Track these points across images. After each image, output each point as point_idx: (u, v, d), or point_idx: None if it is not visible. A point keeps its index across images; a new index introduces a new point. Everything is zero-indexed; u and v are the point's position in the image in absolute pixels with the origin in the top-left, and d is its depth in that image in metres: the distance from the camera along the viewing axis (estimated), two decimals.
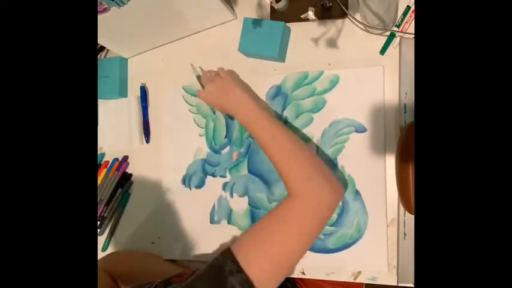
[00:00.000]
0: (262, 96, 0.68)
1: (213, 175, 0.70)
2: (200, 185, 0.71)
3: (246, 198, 0.68)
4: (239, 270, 0.44)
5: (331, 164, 0.63)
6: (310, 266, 0.63)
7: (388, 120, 0.61)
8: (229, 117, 0.70)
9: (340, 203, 0.61)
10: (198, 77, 0.69)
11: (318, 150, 0.64)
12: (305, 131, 0.65)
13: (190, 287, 0.45)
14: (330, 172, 0.54)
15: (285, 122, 0.66)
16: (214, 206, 0.70)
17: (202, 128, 0.72)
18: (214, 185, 0.70)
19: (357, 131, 0.62)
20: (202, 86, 0.66)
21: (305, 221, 0.49)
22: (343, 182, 0.61)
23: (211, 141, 0.71)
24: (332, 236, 0.62)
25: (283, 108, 0.66)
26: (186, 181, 0.72)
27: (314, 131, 0.64)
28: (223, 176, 0.70)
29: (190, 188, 0.71)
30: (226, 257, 0.46)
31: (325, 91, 0.64)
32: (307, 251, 0.61)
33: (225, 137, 0.70)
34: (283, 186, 0.65)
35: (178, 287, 0.46)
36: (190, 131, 0.72)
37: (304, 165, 0.52)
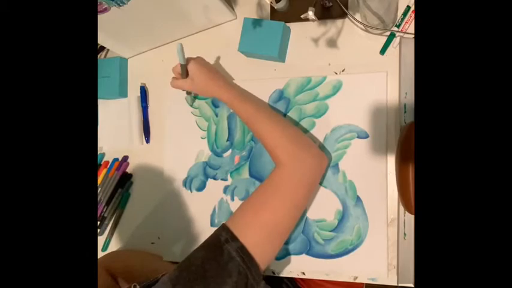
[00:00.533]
0: (265, 99, 0.68)
1: (215, 178, 0.70)
2: (201, 187, 0.71)
3: None
4: (233, 238, 0.48)
5: (333, 168, 0.63)
6: (310, 270, 0.63)
7: (388, 123, 0.61)
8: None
9: (341, 208, 0.61)
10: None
11: None
12: (307, 136, 0.65)
13: (192, 257, 0.48)
14: (312, 143, 0.58)
15: None
16: (214, 209, 0.70)
17: (204, 130, 0.72)
18: (215, 188, 0.70)
19: (358, 137, 0.62)
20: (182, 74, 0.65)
21: (292, 187, 0.52)
22: (326, 153, 0.63)
23: (213, 144, 0.71)
24: (332, 241, 0.61)
25: (286, 113, 0.66)
26: (187, 183, 0.72)
27: (316, 136, 0.64)
28: (225, 179, 0.69)
29: (191, 191, 0.71)
30: (221, 228, 0.50)
31: (327, 96, 0.64)
32: (306, 256, 0.62)
33: (227, 140, 0.70)
34: None
35: (184, 261, 0.48)
36: (192, 134, 0.72)
37: (288, 137, 0.56)
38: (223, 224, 0.51)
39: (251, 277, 0.46)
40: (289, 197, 0.52)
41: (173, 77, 0.68)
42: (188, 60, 0.65)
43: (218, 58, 0.72)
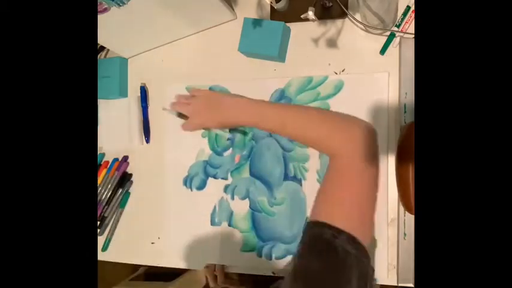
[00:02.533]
0: (266, 99, 0.67)
1: (215, 177, 0.70)
2: (201, 186, 0.71)
3: (247, 201, 0.68)
4: (339, 231, 0.44)
5: None
6: None
7: (389, 123, 0.61)
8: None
9: None
10: (180, 114, 0.64)
11: (320, 157, 0.64)
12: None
13: (305, 268, 0.44)
14: (351, 116, 0.54)
15: None
16: (215, 208, 0.70)
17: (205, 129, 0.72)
18: (215, 186, 0.70)
19: None
20: (186, 117, 0.62)
21: (358, 165, 0.49)
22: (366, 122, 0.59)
23: (214, 142, 0.71)
24: None
25: None
26: (187, 182, 0.72)
27: None
28: (225, 178, 0.69)
29: (191, 189, 0.71)
30: (316, 227, 0.45)
31: (329, 96, 0.64)
32: None
33: (228, 139, 0.70)
34: (284, 189, 0.66)
35: (288, 277, 0.44)
36: (192, 132, 0.72)
37: (324, 128, 0.52)
38: (314, 221, 0.46)
39: (368, 264, 0.44)
40: (361, 173, 0.49)
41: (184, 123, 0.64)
42: (188, 96, 0.63)
43: (218, 58, 0.72)
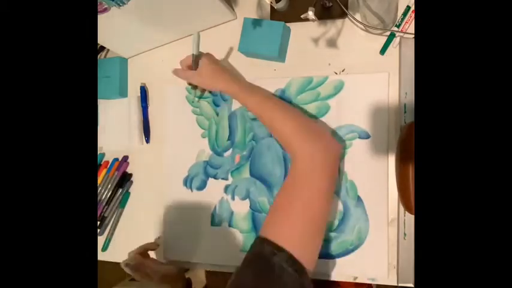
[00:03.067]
0: None
1: (215, 177, 0.70)
2: (202, 187, 0.71)
3: (247, 201, 0.68)
4: (278, 248, 0.45)
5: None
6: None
7: (389, 123, 0.61)
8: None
9: (342, 208, 0.61)
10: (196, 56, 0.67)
11: None
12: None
13: (239, 280, 0.45)
14: (324, 129, 0.58)
15: None
16: (215, 208, 0.70)
17: (205, 129, 0.72)
18: (216, 187, 0.70)
19: (360, 137, 0.62)
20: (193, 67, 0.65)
21: (316, 176, 0.50)
22: (338, 139, 0.62)
23: (214, 143, 0.71)
24: (333, 242, 0.61)
25: None
26: (187, 183, 0.72)
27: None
28: (225, 179, 0.69)
29: (191, 190, 0.71)
30: (260, 242, 0.47)
31: (329, 96, 0.64)
32: None
33: (228, 139, 0.70)
34: None
35: (231, 285, 0.45)
36: (192, 133, 0.72)
37: (300, 125, 0.55)
38: (260, 237, 0.48)
39: (306, 283, 0.45)
40: (316, 186, 0.50)
41: (178, 69, 0.68)
42: (199, 54, 0.66)
43: (218, 58, 0.72)
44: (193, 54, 0.66)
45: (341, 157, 0.60)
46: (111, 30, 0.68)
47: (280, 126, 0.56)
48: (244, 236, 0.67)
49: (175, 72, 0.67)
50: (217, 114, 0.71)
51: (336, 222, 0.61)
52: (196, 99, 0.72)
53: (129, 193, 0.77)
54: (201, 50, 0.69)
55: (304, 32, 0.66)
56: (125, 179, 0.76)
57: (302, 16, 0.55)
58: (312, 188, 0.50)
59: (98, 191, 0.76)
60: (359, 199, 0.61)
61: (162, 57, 0.77)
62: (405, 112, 0.59)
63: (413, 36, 0.59)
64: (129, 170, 0.77)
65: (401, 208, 0.58)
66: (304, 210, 0.48)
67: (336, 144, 0.56)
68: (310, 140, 0.53)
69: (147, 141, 0.76)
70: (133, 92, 0.78)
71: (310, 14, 0.54)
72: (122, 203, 0.76)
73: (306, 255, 0.46)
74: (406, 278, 0.57)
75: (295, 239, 0.47)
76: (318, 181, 0.50)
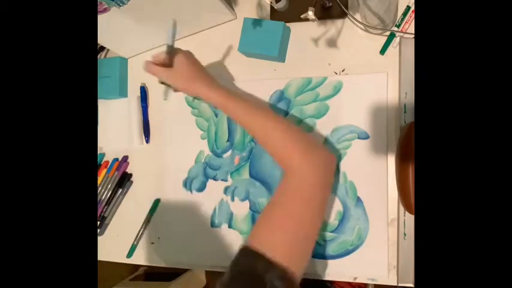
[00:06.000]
0: (265, 100, 0.67)
1: (215, 179, 0.70)
2: (201, 188, 0.71)
3: (247, 203, 0.68)
4: (271, 265, 0.43)
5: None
6: (310, 271, 0.63)
7: (388, 123, 0.61)
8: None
9: (341, 208, 0.61)
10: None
11: None
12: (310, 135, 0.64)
13: None
14: (317, 141, 0.56)
15: None
16: (215, 210, 0.70)
17: (204, 131, 0.72)
18: (215, 188, 0.70)
19: (359, 138, 0.62)
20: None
21: (309, 190, 0.49)
22: (332, 150, 0.62)
23: (213, 144, 0.71)
24: (333, 242, 0.61)
25: (287, 113, 0.66)
26: (187, 184, 0.72)
27: (316, 136, 0.64)
28: (225, 180, 0.69)
29: (191, 191, 0.71)
30: (251, 255, 0.45)
31: (328, 97, 0.64)
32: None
33: (227, 140, 0.70)
34: None
35: None
36: (192, 134, 0.72)
37: (292, 138, 0.53)
38: (249, 248, 0.46)
39: None
40: (308, 201, 0.49)
41: (150, 61, 0.60)
42: (176, 49, 0.59)
43: (218, 58, 0.72)
44: (167, 44, 0.58)
45: (335, 169, 0.58)
46: (111, 30, 0.68)
47: (271, 138, 0.54)
48: (244, 237, 0.67)
49: (146, 65, 0.60)
50: (217, 116, 0.71)
51: (336, 223, 0.61)
52: (196, 100, 0.71)
53: (158, 200, 0.74)
54: (201, 50, 0.69)
55: (304, 32, 0.66)
56: (124, 179, 0.76)
57: (302, 16, 0.55)
58: (305, 203, 0.49)
59: (98, 191, 0.76)
60: (359, 199, 0.61)
61: None
62: (405, 112, 0.59)
63: (413, 36, 0.59)
64: (129, 170, 0.77)
65: (401, 208, 0.58)
66: (297, 225, 0.47)
67: (329, 156, 0.55)
68: (303, 152, 0.51)
69: (147, 141, 0.76)
70: (133, 92, 0.78)
71: (310, 14, 0.54)
72: (151, 210, 0.74)
73: (298, 270, 0.45)
74: (406, 278, 0.57)
75: (288, 253, 0.45)
76: (312, 195, 0.49)
